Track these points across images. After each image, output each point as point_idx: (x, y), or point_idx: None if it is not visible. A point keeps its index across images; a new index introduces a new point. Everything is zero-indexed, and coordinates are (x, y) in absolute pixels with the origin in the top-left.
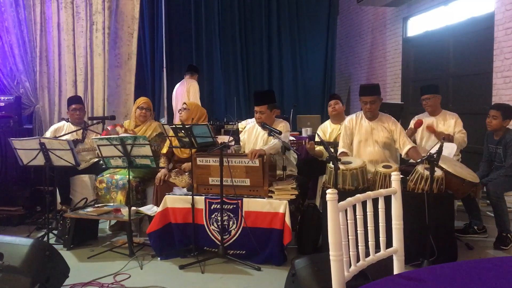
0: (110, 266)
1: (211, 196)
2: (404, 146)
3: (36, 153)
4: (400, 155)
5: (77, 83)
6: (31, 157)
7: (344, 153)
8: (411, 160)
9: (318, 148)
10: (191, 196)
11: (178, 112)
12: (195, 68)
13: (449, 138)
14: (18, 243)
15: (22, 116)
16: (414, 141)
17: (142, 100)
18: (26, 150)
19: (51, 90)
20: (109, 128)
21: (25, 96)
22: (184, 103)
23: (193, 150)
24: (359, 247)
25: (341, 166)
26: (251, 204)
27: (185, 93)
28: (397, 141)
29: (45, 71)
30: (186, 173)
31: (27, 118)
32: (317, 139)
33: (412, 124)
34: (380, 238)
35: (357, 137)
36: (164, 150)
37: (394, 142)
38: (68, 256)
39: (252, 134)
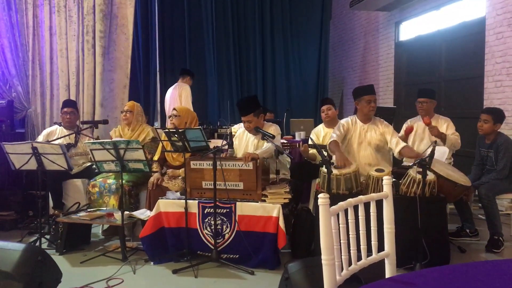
0: (103, 271)
1: (204, 200)
2: (398, 145)
3: (28, 158)
4: (394, 156)
5: (70, 87)
6: (23, 162)
7: (335, 142)
8: (404, 163)
9: (312, 151)
10: (184, 200)
11: (169, 118)
12: (188, 71)
13: (441, 137)
14: (10, 248)
15: (14, 120)
16: None
17: (126, 104)
18: (18, 154)
19: (44, 94)
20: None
21: (18, 100)
22: (174, 109)
23: (187, 155)
24: (351, 251)
25: (335, 171)
26: (244, 208)
27: (177, 97)
28: (389, 141)
29: (38, 75)
30: (179, 177)
31: (19, 122)
32: (310, 142)
33: (403, 131)
34: (372, 242)
35: (352, 140)
36: (156, 157)
37: (386, 143)
38: (60, 261)
39: (242, 139)
